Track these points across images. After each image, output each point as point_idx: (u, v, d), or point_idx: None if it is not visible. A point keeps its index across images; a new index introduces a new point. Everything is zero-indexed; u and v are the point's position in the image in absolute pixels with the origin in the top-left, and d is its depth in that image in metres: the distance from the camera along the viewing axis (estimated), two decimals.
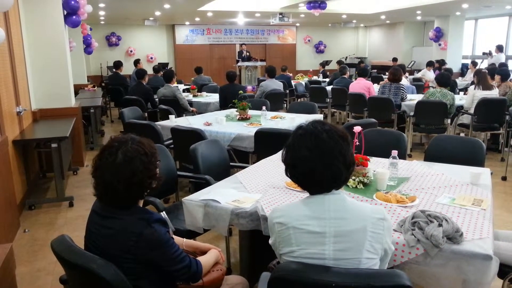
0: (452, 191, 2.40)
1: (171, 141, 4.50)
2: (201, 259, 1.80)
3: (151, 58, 15.39)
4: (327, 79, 11.17)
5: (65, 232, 1.69)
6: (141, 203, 1.68)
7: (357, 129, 2.56)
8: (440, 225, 1.81)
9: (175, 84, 7.28)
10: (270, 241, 1.61)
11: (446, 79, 6.17)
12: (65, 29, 5.75)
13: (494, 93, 6.13)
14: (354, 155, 2.49)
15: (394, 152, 2.62)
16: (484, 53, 11.31)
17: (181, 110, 6.51)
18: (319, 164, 1.49)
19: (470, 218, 2.02)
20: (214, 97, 7.39)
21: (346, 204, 1.52)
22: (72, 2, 5.55)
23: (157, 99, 6.99)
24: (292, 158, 1.55)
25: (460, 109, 6.35)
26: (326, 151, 1.49)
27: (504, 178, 5.15)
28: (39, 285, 2.96)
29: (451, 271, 1.73)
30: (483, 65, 11.12)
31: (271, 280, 1.44)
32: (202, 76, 10.01)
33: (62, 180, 4.51)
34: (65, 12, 5.62)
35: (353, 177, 2.48)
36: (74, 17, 5.70)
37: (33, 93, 5.43)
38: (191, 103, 7.01)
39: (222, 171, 3.25)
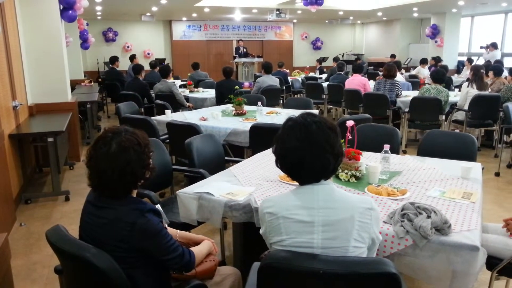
0: (443, 185, 2.44)
1: (167, 136, 4.52)
2: (194, 249, 1.83)
3: (148, 53, 15.35)
4: (324, 75, 11.19)
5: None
6: (134, 194, 1.71)
7: (350, 123, 2.58)
8: (428, 216, 1.85)
9: (172, 80, 7.29)
10: (260, 231, 1.64)
11: (440, 75, 6.20)
12: (62, 24, 5.74)
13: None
14: (347, 149, 2.55)
15: (386, 146, 2.65)
16: (481, 47, 11.30)
17: (177, 105, 6.53)
18: (308, 154, 1.51)
19: (459, 211, 2.05)
20: (211, 93, 7.39)
21: (334, 194, 1.55)
22: None
23: (153, 95, 7.00)
24: (282, 149, 1.58)
25: (454, 106, 6.38)
26: (315, 141, 1.52)
27: (497, 174, 5.20)
28: (35, 277, 2.99)
29: (440, 262, 1.76)
30: (479, 62, 11.14)
31: (260, 268, 1.47)
32: (199, 72, 10.00)
33: (58, 175, 4.53)
34: (61, 7, 5.61)
35: (346, 171, 2.51)
36: (70, 11, 5.69)
37: (29, 88, 5.43)
38: (187, 99, 7.01)
39: (217, 165, 3.27)
